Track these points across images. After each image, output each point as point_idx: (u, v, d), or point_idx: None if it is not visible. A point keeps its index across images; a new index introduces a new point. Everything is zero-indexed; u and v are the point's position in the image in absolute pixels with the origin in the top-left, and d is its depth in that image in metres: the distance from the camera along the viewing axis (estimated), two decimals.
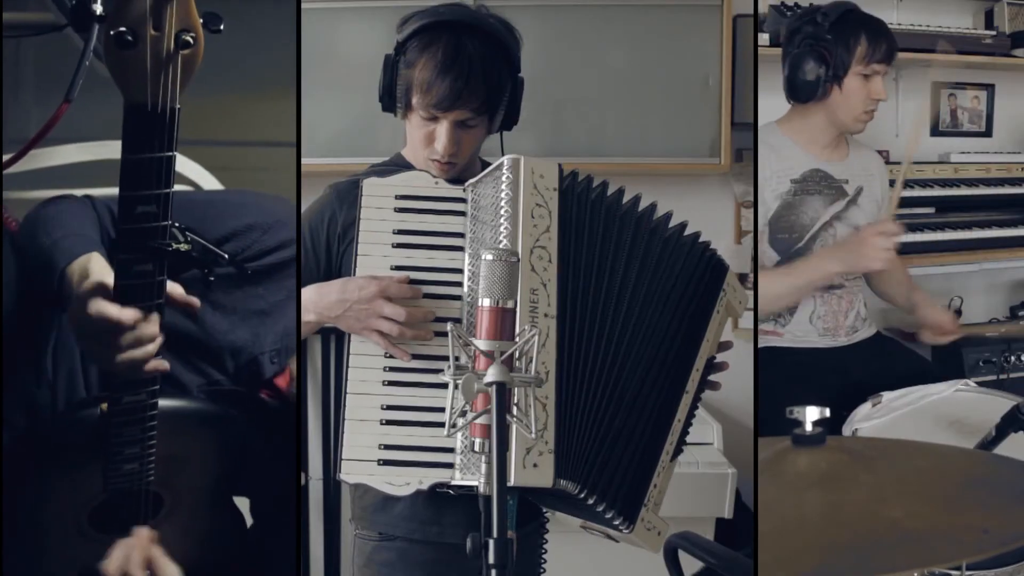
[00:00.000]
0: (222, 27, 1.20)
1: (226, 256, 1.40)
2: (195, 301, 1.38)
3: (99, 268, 1.37)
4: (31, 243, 1.44)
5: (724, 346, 1.63)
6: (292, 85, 1.81)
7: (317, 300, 1.49)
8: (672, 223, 1.58)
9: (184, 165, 2.26)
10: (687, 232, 1.58)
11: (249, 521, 1.71)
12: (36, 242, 1.43)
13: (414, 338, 1.46)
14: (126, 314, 1.29)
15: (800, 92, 2.23)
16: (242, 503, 1.70)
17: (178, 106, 1.20)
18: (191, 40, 1.17)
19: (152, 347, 1.33)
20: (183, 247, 1.30)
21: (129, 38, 1.13)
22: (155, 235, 1.26)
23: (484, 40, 1.57)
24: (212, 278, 1.37)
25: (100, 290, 1.30)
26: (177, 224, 1.29)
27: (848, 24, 2.20)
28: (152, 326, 1.32)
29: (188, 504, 1.55)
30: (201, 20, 1.19)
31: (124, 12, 1.14)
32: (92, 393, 1.51)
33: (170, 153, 1.23)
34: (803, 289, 2.24)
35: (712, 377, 1.61)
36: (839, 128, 2.28)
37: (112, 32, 1.13)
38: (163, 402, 1.41)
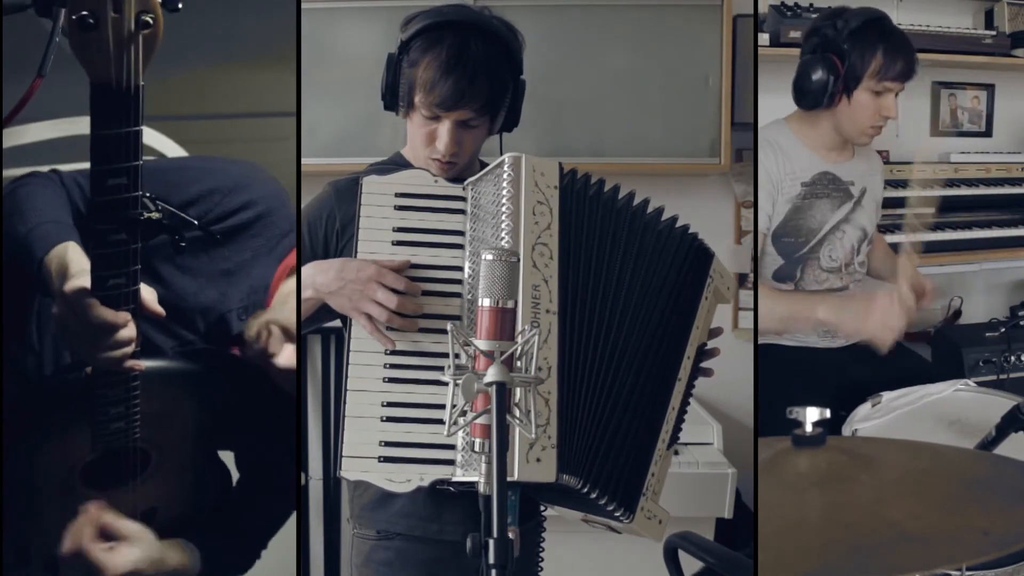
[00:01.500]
0: (180, 5, 1.25)
1: (196, 222, 1.45)
2: (161, 311, 1.45)
3: (76, 258, 1.42)
4: (6, 229, 1.48)
5: (714, 332, 1.65)
6: (291, 77, 1.82)
7: (315, 275, 1.50)
8: (674, 223, 1.60)
9: (158, 140, 2.30)
10: (677, 225, 1.60)
11: (235, 474, 1.76)
12: (11, 229, 1.47)
13: (400, 327, 1.47)
14: (120, 317, 1.36)
15: (806, 99, 2.18)
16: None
17: (142, 83, 1.25)
18: (150, 20, 1.22)
19: (130, 349, 1.40)
20: (154, 215, 1.36)
21: (91, 20, 1.18)
22: (127, 206, 1.32)
23: (488, 41, 1.58)
24: (183, 243, 1.42)
25: (87, 293, 1.35)
26: (147, 194, 1.34)
27: (867, 35, 2.11)
28: (132, 330, 1.39)
29: (174, 459, 1.61)
30: (159, 0, 1.23)
31: None
32: (74, 356, 1.56)
33: (137, 128, 1.28)
34: (785, 320, 2.14)
35: (704, 364, 1.62)
36: (843, 137, 2.25)
37: (74, 16, 1.18)
38: (144, 363, 1.47)
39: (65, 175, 1.57)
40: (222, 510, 1.71)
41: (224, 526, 1.70)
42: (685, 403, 1.58)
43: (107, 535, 1.54)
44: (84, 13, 1.18)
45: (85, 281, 1.36)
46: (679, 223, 1.60)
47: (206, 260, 1.59)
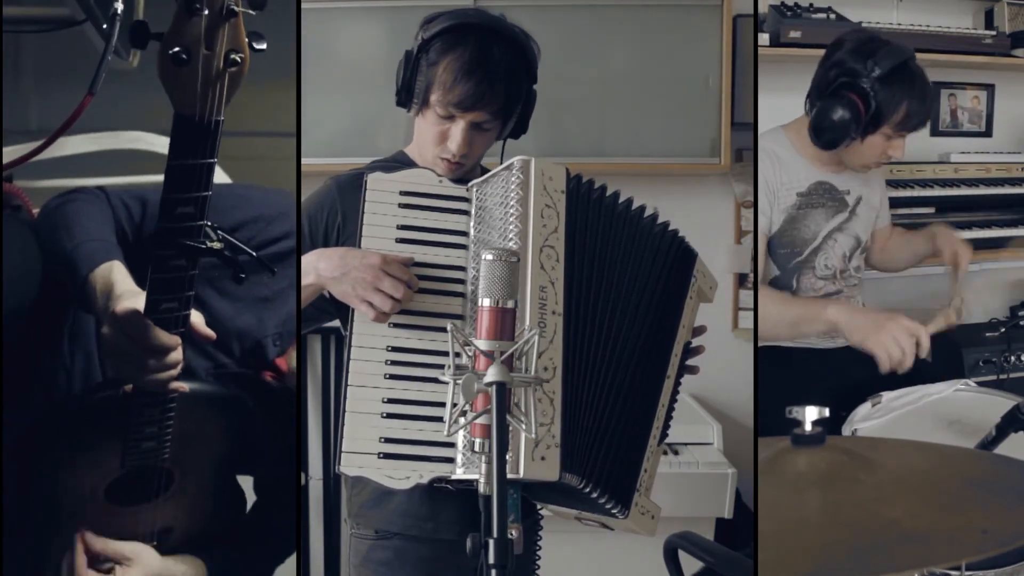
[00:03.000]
0: (265, 46, 1.27)
1: (254, 253, 1.45)
2: (211, 334, 1.47)
3: (121, 278, 1.43)
4: (52, 243, 1.50)
5: (698, 331, 1.68)
6: (291, 77, 1.83)
7: (317, 260, 1.51)
8: (667, 227, 1.63)
9: None
10: (668, 229, 1.63)
11: (251, 497, 1.77)
12: (57, 244, 1.49)
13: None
14: (173, 340, 1.39)
15: (823, 138, 2.09)
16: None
17: (221, 118, 1.28)
18: (239, 59, 1.25)
19: (176, 371, 1.43)
20: (216, 245, 1.37)
21: (184, 56, 1.21)
22: (191, 234, 1.35)
23: (509, 47, 1.60)
24: (244, 276, 1.42)
25: (141, 315, 1.37)
26: (210, 223, 1.36)
27: (895, 84, 2.02)
28: (180, 353, 1.41)
29: (196, 480, 1.62)
30: (247, 39, 1.26)
31: (180, 33, 1.21)
32: (107, 374, 1.58)
33: (212, 160, 1.31)
34: (797, 324, 2.13)
35: (690, 361, 1.66)
36: (843, 162, 2.24)
37: (169, 51, 1.21)
38: (186, 385, 1.48)
39: (112, 193, 1.58)
40: (235, 532, 1.72)
41: (236, 547, 1.71)
42: (673, 400, 1.62)
43: (105, 559, 1.55)
44: (177, 50, 1.21)
45: (135, 302, 1.37)
46: (677, 223, 1.63)
47: (246, 285, 1.59)
